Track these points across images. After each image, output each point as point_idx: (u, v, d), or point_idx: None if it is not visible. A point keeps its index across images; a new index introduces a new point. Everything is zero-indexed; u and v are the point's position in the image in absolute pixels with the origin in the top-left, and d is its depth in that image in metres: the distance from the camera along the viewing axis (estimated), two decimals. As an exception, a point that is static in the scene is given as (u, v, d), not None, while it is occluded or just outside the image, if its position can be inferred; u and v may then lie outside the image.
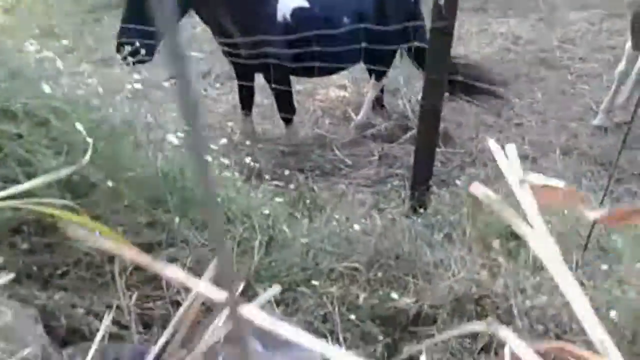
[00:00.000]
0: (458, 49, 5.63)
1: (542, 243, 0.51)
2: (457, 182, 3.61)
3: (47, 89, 1.74)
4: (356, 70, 5.70)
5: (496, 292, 2.42)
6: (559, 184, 0.58)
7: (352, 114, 5.19)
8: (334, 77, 5.80)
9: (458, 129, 4.93)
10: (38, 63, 1.83)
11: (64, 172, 1.47)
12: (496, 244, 2.99)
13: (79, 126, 1.71)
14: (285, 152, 4.33)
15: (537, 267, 2.53)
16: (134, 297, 1.78)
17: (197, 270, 2.02)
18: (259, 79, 4.45)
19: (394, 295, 2.22)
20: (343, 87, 5.72)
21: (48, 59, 1.85)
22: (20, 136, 1.65)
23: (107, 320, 1.32)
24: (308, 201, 3.02)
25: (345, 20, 4.06)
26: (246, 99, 4.43)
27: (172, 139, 1.97)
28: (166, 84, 2.30)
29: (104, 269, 1.81)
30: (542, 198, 0.57)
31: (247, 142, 3.89)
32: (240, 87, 4.41)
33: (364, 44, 4.05)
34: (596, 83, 5.70)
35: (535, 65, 6.10)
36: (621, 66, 4.73)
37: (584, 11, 7.37)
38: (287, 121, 4.44)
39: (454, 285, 2.39)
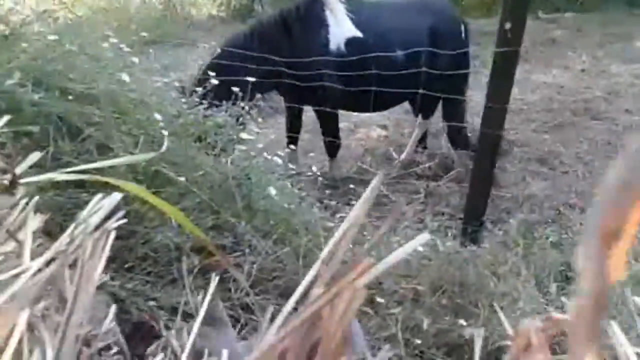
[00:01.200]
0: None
1: None
2: (511, 221, 3.50)
3: (126, 78, 1.72)
4: (396, 110, 5.71)
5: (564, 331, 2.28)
6: None
7: (394, 153, 5.14)
8: (375, 116, 5.81)
9: (503, 173, 4.84)
10: (117, 54, 1.81)
11: (142, 157, 1.42)
12: (553, 288, 2.89)
13: (157, 116, 1.68)
14: (329, 185, 4.27)
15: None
16: (201, 297, 1.70)
17: (259, 279, 1.94)
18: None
19: (462, 322, 2.10)
20: (384, 127, 5.69)
21: (125, 53, 1.84)
22: (99, 122, 1.62)
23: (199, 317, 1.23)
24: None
25: (399, 52, 4.05)
26: (293, 133, 4.40)
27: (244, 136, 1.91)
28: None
29: (171, 267, 1.74)
30: None
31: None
32: (289, 121, 4.39)
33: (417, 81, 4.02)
34: (643, 136, 5.59)
35: (580, 115, 6.02)
36: None
37: (629, 64, 7.34)
38: (332, 155, 4.38)
39: (521, 320, 2.26)
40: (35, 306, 0.91)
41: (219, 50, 3.57)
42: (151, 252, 1.77)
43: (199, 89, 2.17)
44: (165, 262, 1.79)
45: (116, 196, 0.93)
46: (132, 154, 1.62)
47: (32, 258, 1.01)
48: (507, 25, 2.66)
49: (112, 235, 0.89)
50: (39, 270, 0.92)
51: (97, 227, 0.92)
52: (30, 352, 0.82)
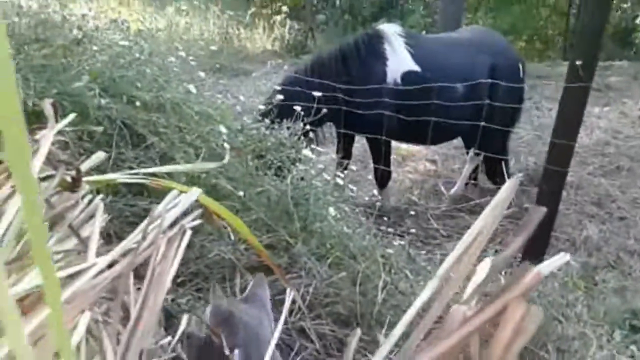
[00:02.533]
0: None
1: None
2: (572, 262, 3.34)
3: (193, 89, 1.69)
4: (445, 146, 5.61)
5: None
6: None
7: (442, 188, 5.02)
8: (424, 150, 5.72)
9: (559, 215, 4.66)
10: (184, 67, 1.79)
11: (203, 167, 1.37)
12: (618, 335, 2.75)
13: (222, 129, 1.63)
14: (379, 215, 4.18)
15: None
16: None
17: (313, 303, 1.85)
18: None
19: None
20: (433, 161, 5.59)
21: (194, 67, 1.82)
22: (165, 130, 1.59)
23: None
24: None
25: (459, 87, 3.99)
26: (344, 161, 4.36)
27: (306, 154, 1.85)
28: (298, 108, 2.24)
29: (224, 285, 1.67)
30: None
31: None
32: (340, 150, 4.36)
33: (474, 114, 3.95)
34: None
35: (637, 160, 5.81)
36: None
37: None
38: (382, 185, 4.31)
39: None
40: (96, 309, 0.84)
41: (285, 76, 3.61)
42: (204, 268, 1.71)
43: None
44: (218, 279, 1.72)
45: (196, 191, 0.86)
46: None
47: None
48: (579, 62, 2.56)
49: (188, 235, 0.82)
50: (103, 270, 0.85)
51: (171, 226, 0.85)
52: (88, 361, 0.75)
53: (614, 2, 11.57)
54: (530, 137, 6.21)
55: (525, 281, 0.47)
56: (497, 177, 4.67)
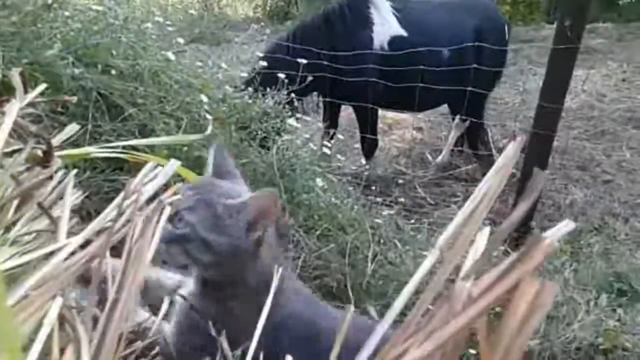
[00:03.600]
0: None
1: None
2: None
3: (171, 57, 1.62)
4: (431, 113, 5.57)
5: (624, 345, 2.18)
6: None
7: (429, 156, 5.00)
8: (410, 118, 5.67)
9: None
10: (162, 33, 1.71)
11: (184, 139, 1.31)
12: (604, 299, 2.76)
13: (203, 98, 1.57)
14: (366, 185, 4.15)
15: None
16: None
17: (303, 277, 1.81)
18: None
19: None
20: (419, 129, 5.55)
21: (172, 33, 1.73)
22: (143, 100, 1.52)
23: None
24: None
25: (445, 52, 3.94)
26: (330, 130, 4.30)
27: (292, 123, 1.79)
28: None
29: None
30: None
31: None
32: (326, 119, 4.30)
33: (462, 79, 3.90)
34: (688, 145, 5.38)
35: (622, 123, 5.82)
36: None
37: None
38: (369, 154, 4.27)
39: (578, 332, 2.14)
40: (69, 294, 0.78)
41: (269, 44, 3.52)
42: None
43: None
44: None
45: (174, 163, 0.81)
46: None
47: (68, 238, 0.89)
48: (567, 22, 2.51)
49: (167, 210, 0.76)
50: (75, 251, 0.79)
51: (149, 201, 0.80)
52: (62, 350, 0.69)
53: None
54: (515, 102, 6.19)
55: (537, 253, 0.42)
56: (478, 142, 4.67)
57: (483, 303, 0.41)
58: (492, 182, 0.54)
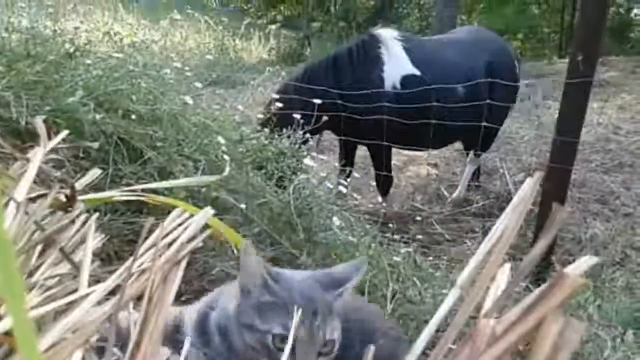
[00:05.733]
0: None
1: None
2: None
3: (189, 101, 1.65)
4: (446, 149, 5.58)
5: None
6: None
7: (445, 192, 4.98)
8: (425, 154, 5.69)
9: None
10: (180, 79, 1.75)
11: (202, 180, 1.33)
12: (630, 336, 2.69)
13: (221, 140, 1.59)
14: (382, 222, 4.13)
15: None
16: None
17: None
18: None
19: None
20: (434, 165, 5.55)
21: (190, 78, 1.78)
22: (162, 144, 1.55)
23: None
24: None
25: (460, 90, 3.97)
26: (346, 169, 4.31)
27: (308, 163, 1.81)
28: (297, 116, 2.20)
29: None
30: None
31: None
32: (342, 158, 4.33)
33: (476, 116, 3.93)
34: None
35: (639, 156, 5.77)
36: None
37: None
38: (384, 192, 4.27)
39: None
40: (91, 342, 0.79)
41: (282, 84, 3.58)
42: (208, 285, 1.66)
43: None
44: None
45: (207, 213, 0.81)
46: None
47: (90, 284, 0.90)
48: (580, 57, 2.53)
49: (186, 260, 0.77)
50: (100, 300, 0.80)
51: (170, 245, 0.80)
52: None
53: (610, -3, 11.58)
54: (531, 136, 6.18)
55: (562, 290, 0.42)
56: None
57: (507, 341, 0.41)
58: (510, 218, 0.54)
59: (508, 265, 0.64)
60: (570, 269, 0.50)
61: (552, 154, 2.76)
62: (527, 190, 0.56)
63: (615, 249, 4.02)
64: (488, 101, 3.96)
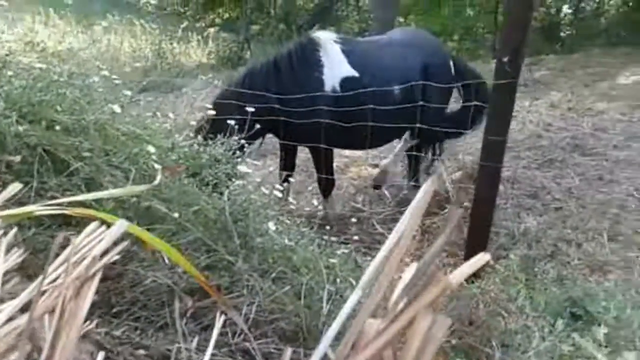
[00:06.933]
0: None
1: None
2: (512, 256, 3.41)
3: (117, 109, 1.63)
4: (387, 149, 5.68)
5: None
6: None
7: (386, 192, 5.07)
8: (365, 155, 5.77)
9: (496, 209, 4.77)
10: (108, 87, 1.72)
11: (132, 191, 1.32)
12: (560, 324, 2.81)
13: (151, 149, 1.58)
14: (323, 224, 4.17)
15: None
16: (195, 342, 1.56)
17: (258, 321, 1.80)
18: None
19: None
20: (375, 166, 5.64)
21: (120, 85, 1.75)
22: (89, 154, 1.52)
23: None
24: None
25: (396, 89, 4.04)
26: (287, 172, 4.33)
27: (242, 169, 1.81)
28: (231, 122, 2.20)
29: (162, 311, 1.61)
30: None
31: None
32: (283, 160, 4.33)
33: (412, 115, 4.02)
34: (633, 170, 5.59)
35: (569, 151, 6.03)
36: None
37: (613, 102, 7.44)
38: (326, 193, 4.31)
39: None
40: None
41: (221, 90, 3.56)
42: (140, 296, 1.64)
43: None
44: (155, 306, 1.66)
45: (122, 225, 0.81)
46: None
47: (4, 300, 0.88)
48: (505, 58, 2.63)
49: (99, 274, 0.76)
50: (13, 316, 0.79)
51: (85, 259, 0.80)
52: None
53: (538, -2, 12.05)
54: (466, 135, 6.37)
55: (432, 290, 0.45)
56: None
57: (384, 338, 0.44)
58: (408, 220, 0.57)
59: (414, 265, 0.67)
60: (456, 273, 0.54)
61: (482, 152, 2.86)
62: (423, 194, 0.59)
63: (546, 242, 4.16)
64: (421, 102, 4.05)
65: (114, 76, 1.79)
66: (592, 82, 8.89)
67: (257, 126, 2.67)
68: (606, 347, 2.28)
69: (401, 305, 0.47)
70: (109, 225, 0.97)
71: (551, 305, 2.95)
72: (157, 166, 1.61)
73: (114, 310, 1.49)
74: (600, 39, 12.84)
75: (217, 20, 13.52)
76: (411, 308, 0.44)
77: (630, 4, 13.88)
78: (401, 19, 13.72)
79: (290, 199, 2.19)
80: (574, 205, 5.01)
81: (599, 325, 2.69)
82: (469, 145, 6.02)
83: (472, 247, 3.02)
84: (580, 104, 7.58)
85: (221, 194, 1.93)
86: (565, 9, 15.14)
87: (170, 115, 1.86)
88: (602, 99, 7.72)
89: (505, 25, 2.77)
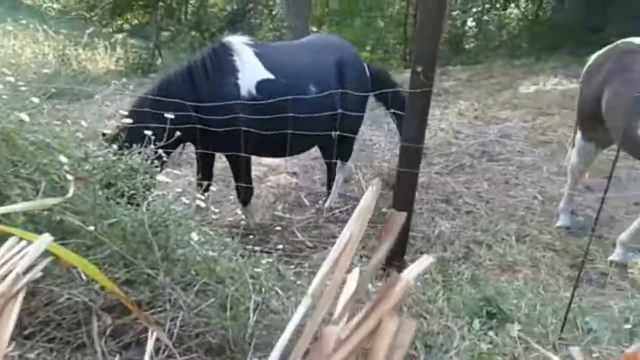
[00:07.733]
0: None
1: None
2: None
3: (25, 117, 1.52)
4: (305, 157, 5.71)
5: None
6: None
7: (305, 200, 5.08)
8: (284, 163, 5.76)
9: (413, 215, 4.91)
10: (14, 94, 1.61)
11: (42, 204, 1.24)
12: (477, 323, 2.92)
13: (62, 159, 1.48)
14: (244, 233, 4.11)
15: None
16: (117, 362, 1.48)
17: (182, 336, 1.74)
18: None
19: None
20: (294, 174, 5.65)
21: (26, 93, 1.64)
22: (-7, 165, 1.40)
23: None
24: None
25: (312, 88, 4.05)
26: (204, 181, 4.23)
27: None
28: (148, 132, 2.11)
29: (79, 330, 1.51)
30: None
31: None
32: (201, 169, 4.23)
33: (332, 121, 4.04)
34: (536, 174, 5.93)
35: (477, 157, 6.31)
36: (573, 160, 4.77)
37: (516, 110, 7.88)
38: (245, 202, 4.25)
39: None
40: None
41: (137, 99, 3.43)
42: (55, 315, 1.54)
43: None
44: (71, 325, 1.56)
45: (46, 239, 0.75)
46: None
47: None
48: (419, 68, 2.71)
49: (22, 293, 0.70)
50: None
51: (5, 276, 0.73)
52: None
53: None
54: (382, 143, 6.52)
55: (395, 293, 0.45)
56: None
57: (350, 345, 0.43)
58: (354, 227, 0.56)
59: (357, 270, 0.66)
60: (405, 272, 0.54)
61: (399, 159, 2.93)
62: (367, 201, 0.59)
63: (460, 244, 4.32)
64: (338, 107, 4.09)
65: (20, 83, 1.67)
66: (496, 92, 9.38)
67: (178, 134, 2.59)
68: (521, 343, 2.40)
69: (364, 310, 0.46)
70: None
71: (468, 305, 3.06)
72: (69, 177, 1.51)
73: (26, 331, 1.38)
74: (503, 50, 13.57)
75: (126, 26, 13.07)
76: (376, 312, 0.43)
77: (530, 17, 14.80)
78: (314, 29, 13.90)
79: (212, 209, 2.12)
80: (484, 208, 5.23)
81: (512, 322, 2.83)
82: (384, 153, 6.17)
83: (392, 252, 3.07)
84: (486, 113, 7.98)
85: (138, 205, 1.84)
86: (470, 21, 15.92)
87: (83, 123, 1.76)
88: (506, 107, 8.17)
89: (418, 36, 2.85)
